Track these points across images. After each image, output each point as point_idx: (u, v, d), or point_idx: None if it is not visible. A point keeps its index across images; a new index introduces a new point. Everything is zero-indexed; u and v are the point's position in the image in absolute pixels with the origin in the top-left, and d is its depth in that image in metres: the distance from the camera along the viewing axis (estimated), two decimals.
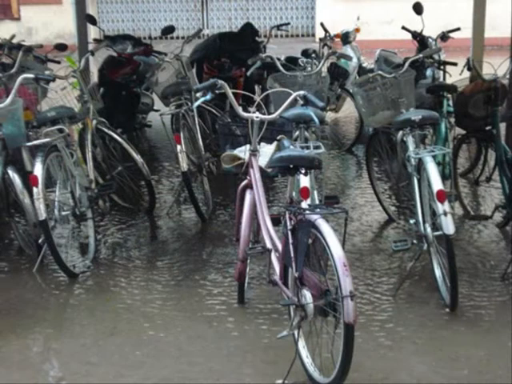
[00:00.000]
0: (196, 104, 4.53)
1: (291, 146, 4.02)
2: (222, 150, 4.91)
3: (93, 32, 11.49)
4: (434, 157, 4.39)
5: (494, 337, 4.00)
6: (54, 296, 4.62)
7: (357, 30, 9.19)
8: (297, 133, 4.88)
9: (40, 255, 4.91)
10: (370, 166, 5.91)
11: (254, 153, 4.09)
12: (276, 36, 15.20)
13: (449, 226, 4.09)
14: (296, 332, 3.54)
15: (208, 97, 4.13)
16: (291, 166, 3.62)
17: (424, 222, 4.40)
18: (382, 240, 5.41)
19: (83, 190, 5.13)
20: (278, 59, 6.13)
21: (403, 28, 7.60)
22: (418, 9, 7.08)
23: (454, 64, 6.46)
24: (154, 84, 6.93)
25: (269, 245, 3.84)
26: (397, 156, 5.25)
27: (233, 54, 7.61)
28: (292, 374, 3.55)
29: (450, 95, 5.90)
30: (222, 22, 17.45)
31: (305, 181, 4.23)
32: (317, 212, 3.43)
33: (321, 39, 8.49)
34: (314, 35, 16.66)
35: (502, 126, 5.56)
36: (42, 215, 4.59)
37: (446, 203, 4.12)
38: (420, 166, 4.40)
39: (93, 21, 7.41)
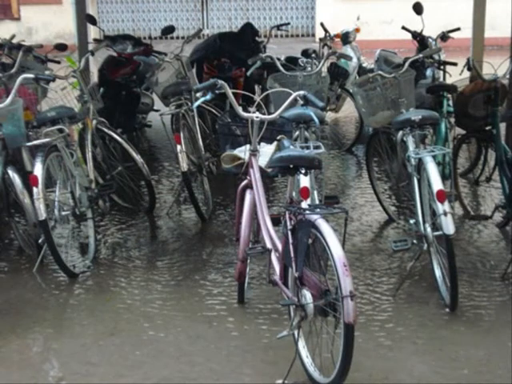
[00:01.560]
0: (196, 104, 4.53)
1: (291, 146, 4.01)
2: (222, 150, 4.91)
3: (93, 32, 11.49)
4: (434, 157, 4.39)
5: (494, 337, 4.01)
6: (54, 296, 4.62)
7: (357, 30, 9.20)
8: (297, 133, 4.88)
9: (40, 255, 4.91)
10: (370, 166, 5.91)
11: (253, 153, 4.09)
12: (276, 36, 15.21)
13: (449, 226, 4.09)
14: (296, 332, 3.54)
15: (208, 97, 4.13)
16: (291, 165, 3.62)
17: (424, 221, 4.40)
18: (382, 240, 5.41)
19: (83, 190, 5.13)
20: (278, 59, 6.13)
21: (403, 28, 7.60)
22: (418, 9, 7.07)
23: (454, 64, 6.46)
24: (154, 84, 6.92)
25: (269, 245, 3.84)
26: (397, 156, 5.25)
27: (233, 54, 7.60)
28: (292, 374, 3.55)
29: (449, 95, 5.90)
30: (222, 21, 17.45)
31: (305, 181, 4.23)
32: (317, 212, 3.43)
33: (321, 39, 8.49)
34: (314, 35, 16.67)
35: (502, 126, 5.56)
36: (42, 215, 4.59)
37: (446, 203, 4.12)
38: (420, 166, 4.40)
39: (93, 21, 7.41)
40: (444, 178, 5.48)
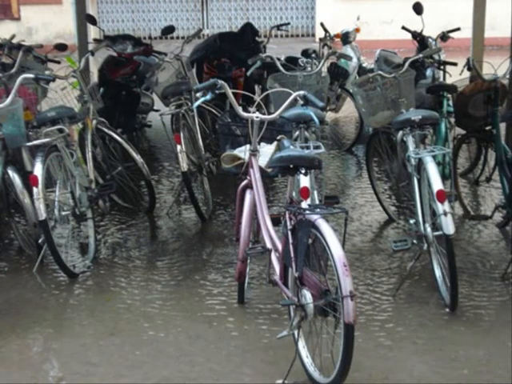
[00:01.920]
0: (196, 104, 4.54)
1: (291, 146, 4.01)
2: (222, 150, 4.91)
3: (93, 32, 11.49)
4: (434, 157, 4.39)
5: (494, 337, 4.00)
6: (54, 296, 4.62)
7: (357, 30, 9.20)
8: (297, 133, 4.89)
9: (40, 255, 4.91)
10: (370, 166, 5.91)
11: (253, 153, 4.09)
12: (276, 36, 15.21)
13: (449, 226, 4.09)
14: (296, 332, 3.54)
15: (208, 97, 4.13)
16: (291, 165, 3.62)
17: (424, 221, 4.40)
18: (381, 240, 5.41)
19: (83, 190, 5.13)
20: (278, 59, 6.13)
21: (403, 28, 7.61)
22: (418, 9, 7.08)
23: (454, 64, 6.47)
24: (154, 84, 6.93)
25: (269, 245, 3.84)
26: (397, 156, 5.25)
27: (233, 54, 7.61)
28: (292, 374, 3.55)
29: (449, 95, 5.90)
30: (222, 21, 17.45)
31: (305, 181, 4.23)
32: (317, 212, 3.43)
33: (321, 39, 8.50)
34: (314, 35, 16.67)
35: (502, 126, 5.56)
36: (42, 215, 4.59)
37: (446, 203, 4.12)
38: (420, 166, 4.40)
39: (93, 21, 7.42)
40: (444, 177, 5.49)
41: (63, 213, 4.93)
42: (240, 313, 4.33)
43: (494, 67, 5.29)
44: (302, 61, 6.82)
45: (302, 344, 3.65)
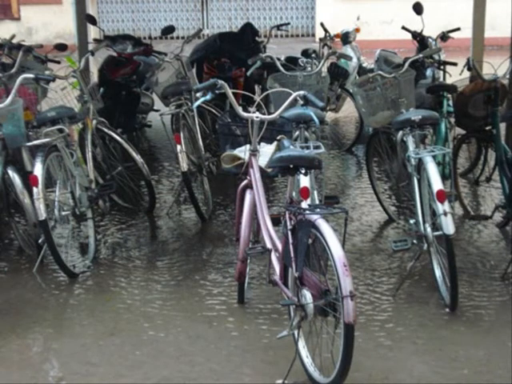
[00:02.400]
0: (196, 104, 4.54)
1: (291, 146, 4.01)
2: (222, 150, 4.91)
3: (93, 32, 11.49)
4: (434, 157, 4.39)
5: (494, 337, 4.00)
6: (54, 296, 4.62)
7: (357, 30, 9.21)
8: (297, 133, 4.89)
9: (40, 255, 4.91)
10: (370, 166, 5.91)
11: (253, 153, 4.09)
12: (276, 36, 15.21)
13: (449, 226, 4.09)
14: (296, 332, 3.54)
15: (208, 97, 4.13)
16: (291, 165, 3.62)
17: (424, 221, 4.40)
18: (382, 240, 5.41)
19: (83, 190, 5.13)
20: (278, 59, 6.13)
21: (403, 28, 7.61)
22: (418, 9, 7.08)
23: (454, 64, 6.47)
24: (154, 84, 6.93)
25: (269, 245, 3.84)
26: (397, 156, 5.25)
27: (233, 54, 7.61)
28: (292, 374, 3.55)
29: (449, 95, 5.90)
30: (222, 21, 17.46)
31: (305, 181, 4.23)
32: (317, 212, 3.43)
33: (321, 39, 8.50)
34: (314, 35, 16.67)
35: (502, 126, 5.56)
36: (42, 215, 4.59)
37: (446, 203, 4.12)
38: (420, 166, 4.40)
39: (93, 21, 7.42)
40: (444, 177, 5.49)
41: (63, 213, 4.93)
42: (240, 313, 4.33)
43: (494, 67, 5.29)
44: (302, 61, 6.82)
45: (302, 344, 3.65)
